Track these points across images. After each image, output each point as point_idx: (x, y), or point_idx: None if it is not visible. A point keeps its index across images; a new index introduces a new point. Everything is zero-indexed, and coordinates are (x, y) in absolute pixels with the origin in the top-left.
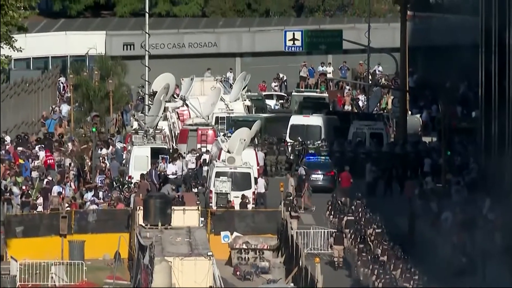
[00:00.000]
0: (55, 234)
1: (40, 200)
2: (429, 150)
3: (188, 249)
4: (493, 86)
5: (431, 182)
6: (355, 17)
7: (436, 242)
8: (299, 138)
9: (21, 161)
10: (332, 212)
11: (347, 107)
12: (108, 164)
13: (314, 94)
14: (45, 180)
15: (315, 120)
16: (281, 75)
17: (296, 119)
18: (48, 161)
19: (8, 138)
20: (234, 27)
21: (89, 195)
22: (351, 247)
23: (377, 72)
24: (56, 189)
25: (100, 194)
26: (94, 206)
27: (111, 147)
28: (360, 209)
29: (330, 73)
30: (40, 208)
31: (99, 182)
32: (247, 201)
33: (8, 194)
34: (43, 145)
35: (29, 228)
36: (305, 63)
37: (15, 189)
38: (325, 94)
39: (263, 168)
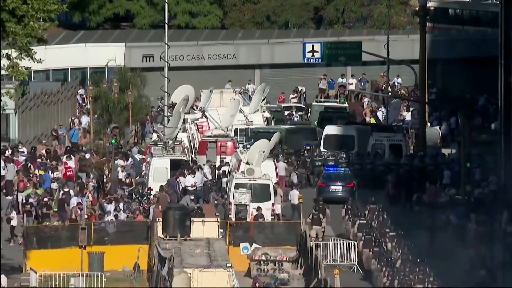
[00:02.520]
0: (75, 245)
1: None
2: (448, 162)
3: (207, 260)
4: None
5: (453, 194)
6: (375, 29)
7: (454, 253)
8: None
9: (41, 172)
10: (351, 217)
11: (368, 119)
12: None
13: (335, 104)
14: (61, 191)
15: (349, 130)
16: (299, 88)
17: (330, 129)
18: (67, 173)
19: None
20: (253, 39)
21: (108, 207)
22: (366, 250)
23: (396, 84)
24: (74, 200)
25: (121, 205)
26: (113, 218)
27: (130, 158)
28: (374, 213)
29: (352, 84)
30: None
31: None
32: (261, 213)
33: (28, 206)
34: (68, 156)
35: (49, 240)
36: (325, 76)
37: (30, 200)
38: (346, 105)
39: (285, 179)
